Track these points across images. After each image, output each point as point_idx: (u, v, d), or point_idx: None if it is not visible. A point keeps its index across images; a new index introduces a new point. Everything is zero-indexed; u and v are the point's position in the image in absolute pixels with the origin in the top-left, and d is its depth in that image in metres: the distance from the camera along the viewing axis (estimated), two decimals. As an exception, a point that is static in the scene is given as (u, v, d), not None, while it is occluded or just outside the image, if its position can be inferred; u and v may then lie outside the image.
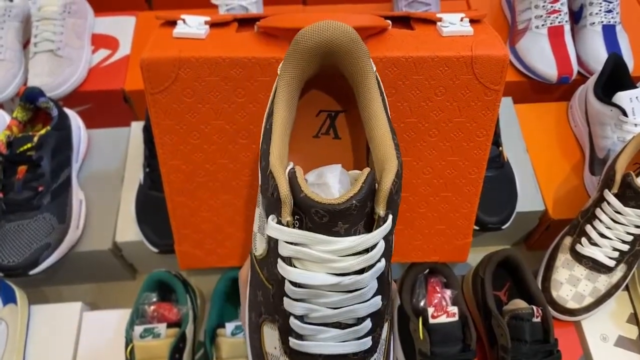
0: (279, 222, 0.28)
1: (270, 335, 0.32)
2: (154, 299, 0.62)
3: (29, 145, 0.63)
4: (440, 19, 0.48)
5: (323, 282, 0.27)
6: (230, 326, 0.59)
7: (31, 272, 0.60)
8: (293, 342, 0.29)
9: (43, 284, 0.73)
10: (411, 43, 0.46)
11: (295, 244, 0.28)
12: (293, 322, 0.29)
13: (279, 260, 0.29)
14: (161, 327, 0.58)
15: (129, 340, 0.58)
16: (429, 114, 0.48)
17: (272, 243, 0.30)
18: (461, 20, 0.48)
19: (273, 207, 0.28)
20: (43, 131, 0.65)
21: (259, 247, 0.32)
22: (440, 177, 0.52)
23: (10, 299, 0.62)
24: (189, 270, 0.71)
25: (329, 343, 0.29)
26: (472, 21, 0.49)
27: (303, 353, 0.29)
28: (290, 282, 0.28)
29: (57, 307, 0.65)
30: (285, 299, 0.29)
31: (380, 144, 0.30)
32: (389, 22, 0.47)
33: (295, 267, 0.28)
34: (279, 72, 0.33)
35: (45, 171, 0.64)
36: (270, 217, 0.28)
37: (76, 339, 0.63)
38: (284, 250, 0.28)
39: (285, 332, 0.30)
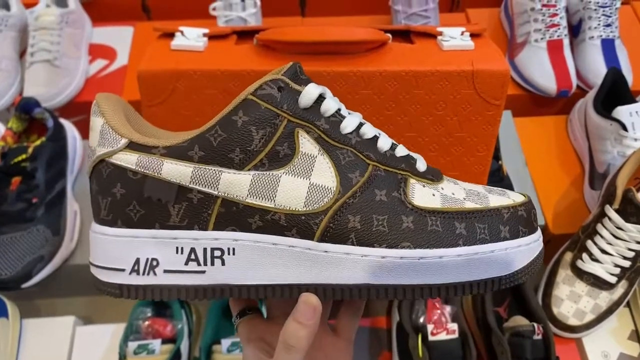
0: None
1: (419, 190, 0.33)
2: (149, 314, 0.61)
3: (24, 156, 0.62)
4: (440, 33, 0.48)
5: None
6: (226, 342, 0.58)
7: (24, 285, 0.59)
8: None
9: (36, 297, 0.72)
10: (411, 57, 0.46)
11: None
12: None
13: None
14: (155, 343, 0.57)
15: (122, 356, 0.57)
16: (428, 129, 0.48)
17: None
18: (462, 34, 0.47)
19: None
20: (38, 142, 0.64)
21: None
22: (440, 192, 0.51)
23: (1, 312, 0.61)
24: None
25: None
26: (473, 35, 0.48)
27: None
28: None
29: (50, 321, 0.64)
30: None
31: None
32: (389, 35, 0.47)
33: None
34: None
35: (39, 182, 0.63)
36: None
37: (69, 354, 0.62)
38: None
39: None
